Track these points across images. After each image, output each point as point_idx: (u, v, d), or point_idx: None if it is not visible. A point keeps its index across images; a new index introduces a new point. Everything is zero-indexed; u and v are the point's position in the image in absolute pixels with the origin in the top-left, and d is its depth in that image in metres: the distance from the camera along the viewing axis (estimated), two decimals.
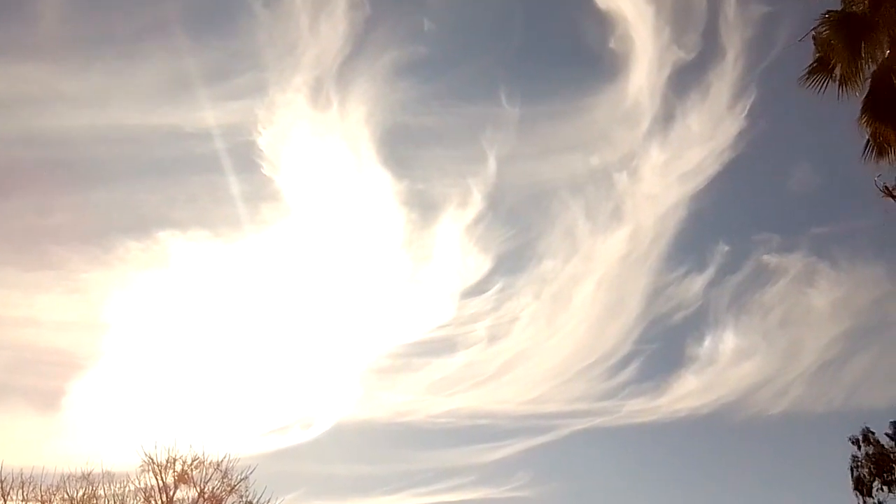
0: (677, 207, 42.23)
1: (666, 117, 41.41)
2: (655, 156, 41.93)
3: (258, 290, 42.00)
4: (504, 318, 43.53)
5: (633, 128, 41.88)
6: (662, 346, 44.32)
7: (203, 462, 25.35)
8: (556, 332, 44.74)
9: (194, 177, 40.71)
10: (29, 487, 23.79)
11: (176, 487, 25.00)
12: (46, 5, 36.38)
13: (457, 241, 42.97)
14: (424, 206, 42.74)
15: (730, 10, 39.41)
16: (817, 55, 17.90)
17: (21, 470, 23.80)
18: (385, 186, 41.37)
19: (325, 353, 42.38)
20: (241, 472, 25.52)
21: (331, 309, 43.01)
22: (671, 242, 43.12)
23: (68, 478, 24.22)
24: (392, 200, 41.89)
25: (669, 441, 43.83)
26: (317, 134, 40.56)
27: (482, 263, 43.11)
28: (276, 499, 25.59)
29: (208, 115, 38.84)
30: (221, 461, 25.42)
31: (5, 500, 23.45)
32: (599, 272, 44.10)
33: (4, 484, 23.44)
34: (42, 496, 23.88)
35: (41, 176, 39.45)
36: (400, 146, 42.37)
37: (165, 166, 40.83)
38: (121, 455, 25.25)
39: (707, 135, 41.25)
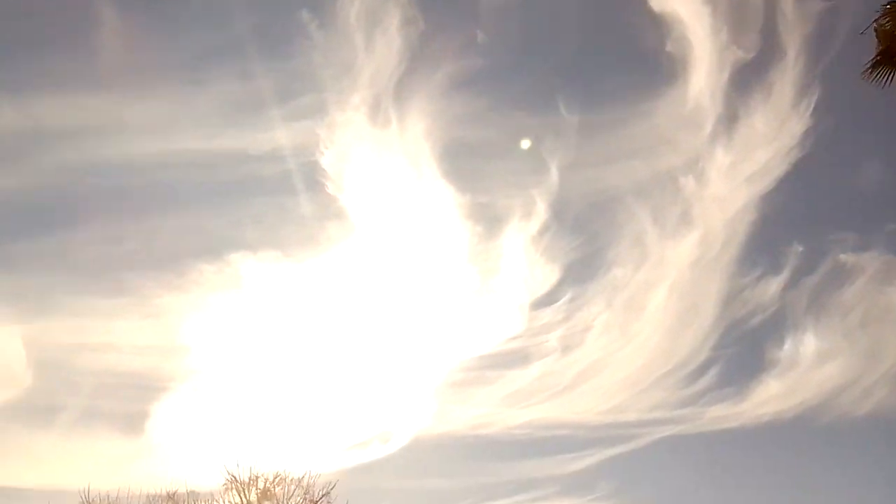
0: (747, 209, 41.75)
1: (729, 118, 41.03)
2: (721, 158, 41.55)
3: (329, 308, 42.48)
4: (576, 328, 43.37)
5: (696, 131, 41.56)
6: (741, 350, 43.70)
7: (285, 479, 25.71)
8: (631, 341, 44.42)
9: (261, 198, 41.48)
10: None
11: None
12: (109, 36, 37.47)
13: (523, 252, 42.99)
14: (488, 219, 42.86)
15: (787, 6, 38.96)
16: (880, 48, 17.70)
17: (107, 493, 24.52)
18: (448, 201, 41.63)
19: (399, 368, 42.67)
20: (323, 489, 25.84)
21: (401, 324, 43.33)
22: (743, 245, 42.60)
23: (154, 498, 24.78)
24: (456, 214, 42.13)
25: (753, 446, 43.12)
26: (378, 151, 41.04)
27: (550, 274, 43.06)
28: None
29: (271, 137, 39.60)
30: (303, 478, 25.78)
31: None
32: (671, 278, 43.72)
33: None
34: None
35: (111, 204, 40.54)
36: (461, 160, 42.58)
37: (232, 189, 41.68)
38: (204, 474, 25.77)
39: (772, 134, 40.75)
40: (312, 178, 40.21)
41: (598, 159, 42.93)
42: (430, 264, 43.06)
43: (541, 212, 41.75)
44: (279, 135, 39.98)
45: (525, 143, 42.87)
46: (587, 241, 43.84)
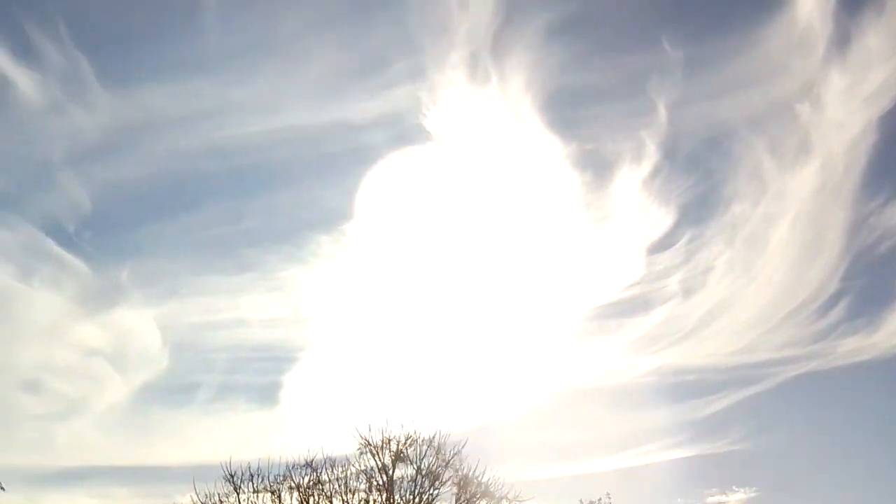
0: (867, 132, 39.98)
1: (842, 40, 39.21)
2: (836, 81, 39.80)
3: (446, 270, 42.55)
4: (697, 270, 42.47)
5: (808, 55, 39.89)
6: (871, 279, 42.23)
7: (416, 440, 25.86)
8: (755, 278, 43.24)
9: (369, 165, 41.74)
10: (258, 479, 24.99)
11: (394, 467, 25.61)
12: (209, 21, 38.12)
13: (636, 196, 42.19)
14: (597, 166, 42.20)
15: None
16: None
17: (248, 463, 25.12)
18: (555, 151, 41.11)
19: (522, 324, 42.51)
20: (454, 447, 25.88)
21: (518, 281, 43.10)
22: (866, 169, 40.92)
23: (293, 466, 25.25)
24: (563, 164, 41.55)
25: (890, 377, 41.62)
26: (480, 108, 40.70)
27: (665, 216, 42.18)
28: (490, 470, 25.84)
29: (373, 105, 39.78)
30: (433, 438, 25.87)
31: (238, 493, 24.74)
32: (793, 210, 42.30)
33: (235, 477, 24.74)
34: (270, 486, 25.01)
35: (226, 185, 41.52)
36: (564, 109, 41.96)
37: (341, 159, 42.13)
38: (339, 440, 26.13)
39: (888, 52, 38.86)
40: (417, 140, 40.25)
41: (708, 93, 41.63)
42: (541, 217, 42.66)
43: (651, 153, 40.84)
44: (381, 102, 40.15)
45: (629, 85, 41.89)
46: (702, 179, 42.74)
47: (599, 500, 31.57)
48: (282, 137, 40.98)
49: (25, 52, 37.05)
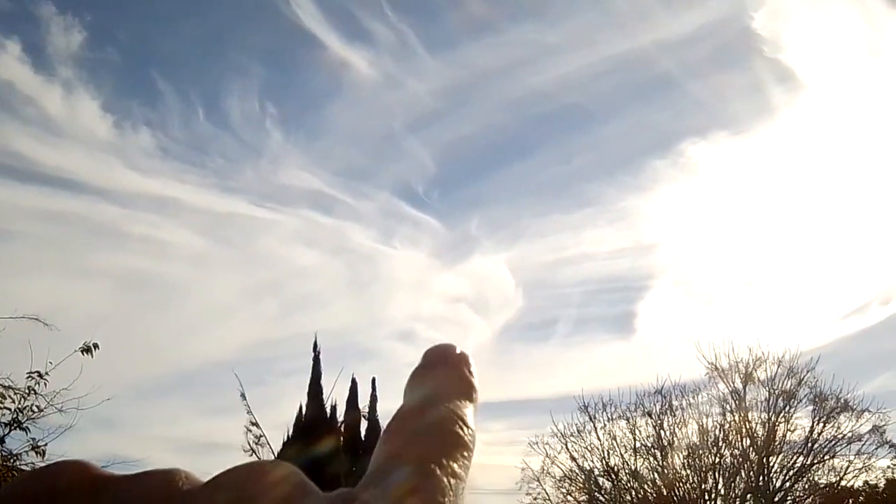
0: None
1: None
2: None
3: (792, 175, 40.59)
4: None
5: None
6: None
7: (765, 360, 25.43)
8: None
9: (698, 81, 40.47)
10: (611, 408, 26.00)
11: (745, 388, 25.42)
12: None
13: None
14: None
15: None
16: None
17: (600, 393, 26.22)
18: None
19: (887, 220, 39.65)
20: (808, 364, 25.12)
21: (876, 172, 40.08)
22: None
23: (643, 396, 25.91)
24: None
25: None
26: None
27: None
28: (860, 386, 24.72)
29: (690, 17, 38.26)
30: (783, 356, 25.29)
31: (593, 422, 25.93)
32: None
33: (589, 407, 25.96)
34: (623, 414, 25.91)
35: (554, 125, 42.33)
36: None
37: (666, 79, 41.13)
38: (689, 365, 26.28)
39: None
40: (746, 45, 38.35)
41: None
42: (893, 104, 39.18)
43: None
44: (699, 13, 38.55)
45: None
46: None
47: None
48: (603, 68, 40.89)
49: (356, 33, 39.99)
